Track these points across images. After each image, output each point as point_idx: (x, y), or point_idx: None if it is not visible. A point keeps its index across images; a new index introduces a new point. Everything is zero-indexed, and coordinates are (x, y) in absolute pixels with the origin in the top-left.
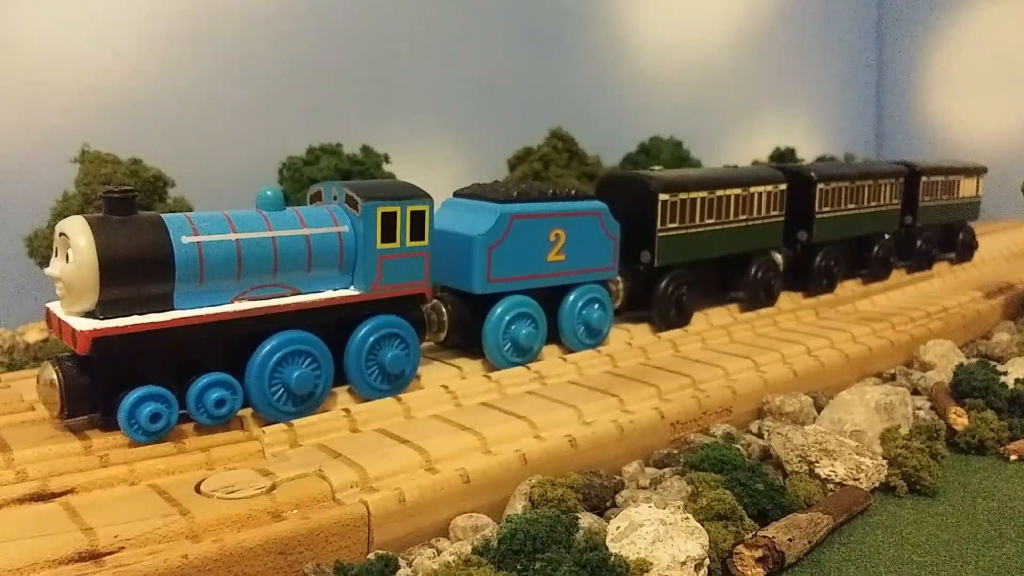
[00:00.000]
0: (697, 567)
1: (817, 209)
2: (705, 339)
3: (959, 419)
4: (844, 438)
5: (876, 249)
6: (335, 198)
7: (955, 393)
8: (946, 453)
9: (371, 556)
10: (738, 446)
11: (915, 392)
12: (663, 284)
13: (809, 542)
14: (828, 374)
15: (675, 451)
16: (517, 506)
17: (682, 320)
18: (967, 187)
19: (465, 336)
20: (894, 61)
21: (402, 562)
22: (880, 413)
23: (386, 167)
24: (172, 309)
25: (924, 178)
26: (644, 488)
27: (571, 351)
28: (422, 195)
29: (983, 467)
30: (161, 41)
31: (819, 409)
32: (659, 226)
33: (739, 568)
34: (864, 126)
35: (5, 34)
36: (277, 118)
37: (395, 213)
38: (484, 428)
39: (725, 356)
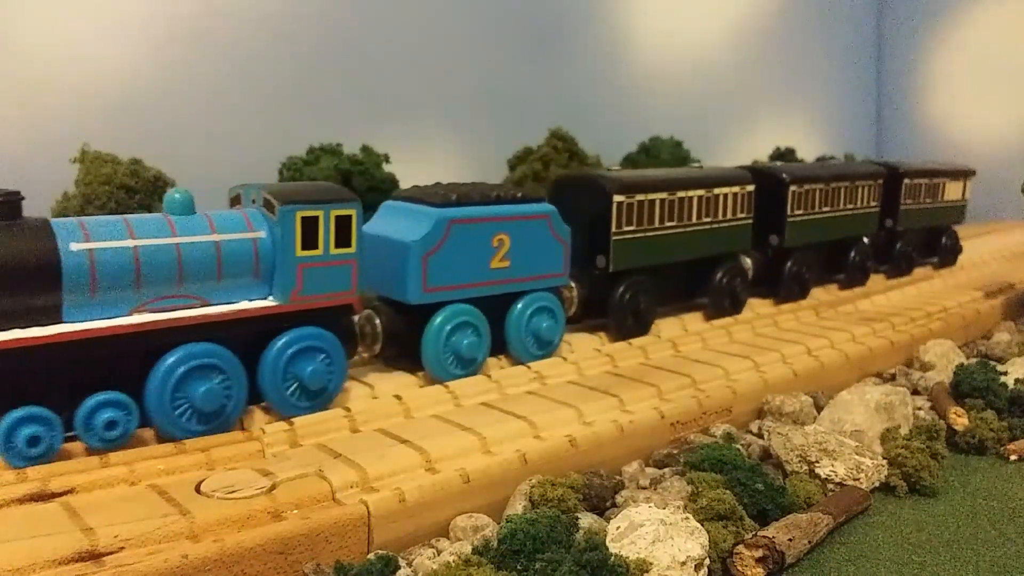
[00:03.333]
0: (697, 567)
1: (789, 212)
2: (705, 339)
3: (959, 419)
4: (844, 438)
5: (852, 254)
6: (254, 201)
7: (955, 393)
8: (946, 453)
9: (371, 556)
10: (738, 446)
11: (915, 392)
12: (619, 291)
13: (809, 542)
14: (828, 374)
15: (675, 451)
16: (517, 506)
17: (640, 329)
18: (952, 190)
19: (402, 348)
20: (894, 61)
21: (402, 562)
22: (880, 413)
23: (386, 167)
24: (60, 322)
25: (907, 180)
26: (644, 488)
27: (520, 363)
28: (348, 198)
29: (983, 467)
30: (161, 41)
31: (819, 409)
32: (614, 229)
33: (739, 568)
34: (864, 126)
35: (6, 34)
36: (277, 118)
37: (317, 218)
38: (484, 428)
39: (725, 356)
